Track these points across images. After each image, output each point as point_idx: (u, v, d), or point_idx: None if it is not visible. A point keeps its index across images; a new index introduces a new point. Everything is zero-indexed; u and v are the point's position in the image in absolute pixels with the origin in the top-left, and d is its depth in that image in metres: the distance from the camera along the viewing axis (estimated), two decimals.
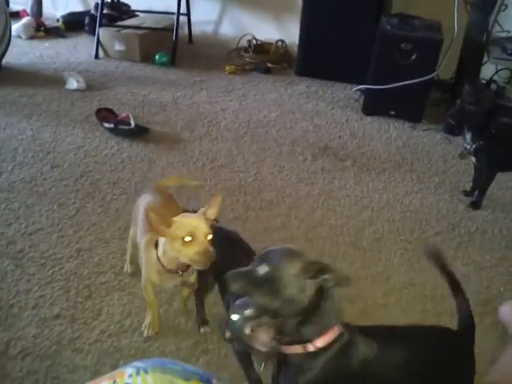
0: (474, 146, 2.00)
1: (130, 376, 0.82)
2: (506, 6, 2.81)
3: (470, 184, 2.19)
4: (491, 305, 1.60)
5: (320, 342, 0.93)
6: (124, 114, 2.50)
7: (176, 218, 1.22)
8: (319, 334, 0.94)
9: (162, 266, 1.27)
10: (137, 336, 1.41)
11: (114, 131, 2.43)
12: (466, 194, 2.19)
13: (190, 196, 1.99)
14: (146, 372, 0.83)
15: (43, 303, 1.49)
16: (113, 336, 1.40)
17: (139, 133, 2.42)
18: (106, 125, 2.46)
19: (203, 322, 1.43)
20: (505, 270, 1.78)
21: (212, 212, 1.27)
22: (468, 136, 2.02)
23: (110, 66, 3.30)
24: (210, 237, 1.21)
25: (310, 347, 0.93)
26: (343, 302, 1.54)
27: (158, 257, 1.28)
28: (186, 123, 2.62)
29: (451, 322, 1.53)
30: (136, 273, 1.60)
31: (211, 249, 1.19)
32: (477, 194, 2.12)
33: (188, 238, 1.18)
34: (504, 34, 2.92)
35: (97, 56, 3.41)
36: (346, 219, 1.98)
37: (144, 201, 1.45)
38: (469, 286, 1.68)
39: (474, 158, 2.05)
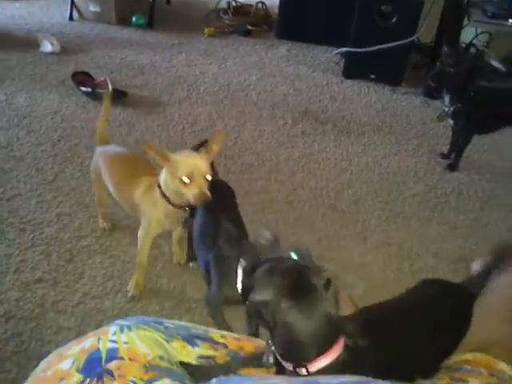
0: (452, 109, 2.02)
1: (114, 333, 0.84)
2: None
3: (448, 147, 2.23)
4: (465, 262, 1.66)
5: (314, 367, 0.73)
6: (101, 78, 2.45)
7: (175, 155, 1.24)
8: (318, 354, 0.73)
9: (170, 202, 1.27)
10: (120, 297, 1.43)
11: (92, 95, 2.39)
12: (444, 156, 2.23)
13: None
14: (129, 329, 0.85)
15: (24, 268, 1.49)
16: (96, 298, 1.42)
17: (117, 97, 2.37)
18: (83, 89, 2.41)
19: (193, 257, 1.50)
20: (478, 229, 1.84)
21: (215, 147, 1.27)
22: (446, 98, 2.04)
23: (85, 28, 3.20)
24: (208, 177, 1.22)
25: (303, 371, 0.74)
26: (323, 262, 1.59)
27: (163, 195, 1.28)
28: (165, 87, 2.59)
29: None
30: (115, 229, 1.65)
31: (208, 192, 1.19)
32: (453, 157, 2.16)
33: (186, 180, 1.18)
34: None
35: (71, 17, 3.29)
36: (325, 182, 2.00)
37: (104, 154, 1.47)
38: (443, 245, 1.74)
39: (451, 120, 2.08)
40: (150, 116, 2.32)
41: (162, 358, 0.83)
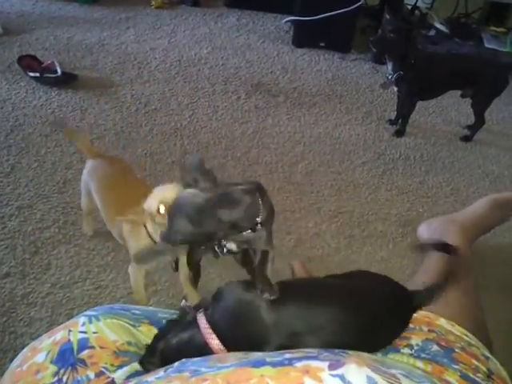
0: (395, 76, 2.10)
1: (83, 324, 0.90)
2: None
3: (395, 113, 2.33)
4: (412, 225, 1.79)
5: None
6: (49, 61, 2.40)
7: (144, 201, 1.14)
8: None
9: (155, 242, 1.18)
10: (88, 285, 1.48)
11: (41, 80, 2.35)
12: (391, 122, 2.33)
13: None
14: (97, 319, 0.91)
15: None
16: (64, 287, 1.47)
17: (67, 80, 2.35)
18: (31, 74, 2.36)
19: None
20: (424, 192, 1.97)
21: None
22: (389, 66, 2.12)
23: (26, 5, 3.08)
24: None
25: None
26: (280, 234, 1.69)
27: (149, 235, 1.19)
28: (115, 66, 2.56)
29: (375, 244, 1.72)
30: (78, 219, 1.66)
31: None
32: (400, 123, 2.27)
33: (162, 208, 1.09)
34: None
35: None
36: (280, 156, 2.08)
37: (95, 173, 1.38)
38: (391, 210, 1.86)
39: (395, 87, 2.17)
40: (102, 98, 2.31)
41: (130, 343, 0.90)
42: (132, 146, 2.03)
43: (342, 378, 0.62)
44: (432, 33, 3.09)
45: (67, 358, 0.84)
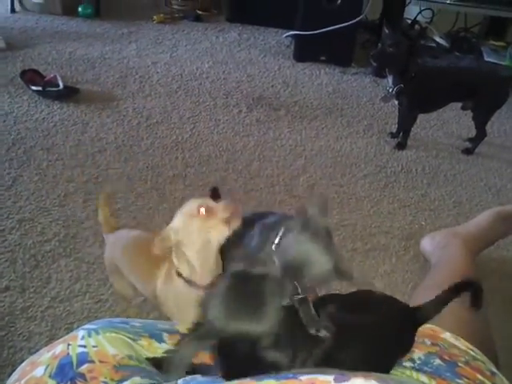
0: (395, 89, 2.11)
1: (83, 338, 0.88)
2: None
3: (396, 126, 2.34)
4: (414, 238, 1.77)
5: None
6: (51, 75, 2.42)
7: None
8: None
9: (196, 285, 1.00)
10: (87, 298, 1.47)
11: (43, 94, 2.36)
12: (392, 135, 2.33)
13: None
14: (97, 333, 0.90)
15: None
16: (64, 301, 1.45)
17: (69, 94, 2.36)
18: (34, 87, 2.37)
19: None
20: (426, 205, 1.96)
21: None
22: (390, 79, 2.13)
23: (30, 20, 3.11)
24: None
25: None
26: None
27: (186, 280, 1.02)
28: (117, 80, 2.57)
29: (378, 257, 1.71)
30: (78, 231, 1.65)
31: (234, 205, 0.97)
32: (401, 136, 2.27)
33: (202, 210, 0.94)
34: None
35: (13, 9, 3.19)
36: (281, 169, 2.07)
37: (120, 244, 1.23)
38: (394, 223, 1.85)
39: (396, 100, 2.17)
40: (104, 112, 2.32)
41: (130, 357, 0.89)
42: (133, 159, 2.03)
43: None
44: (432, 46, 3.11)
45: (66, 372, 0.83)
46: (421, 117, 2.26)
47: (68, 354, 0.85)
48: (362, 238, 1.77)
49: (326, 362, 0.75)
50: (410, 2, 2.91)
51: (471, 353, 0.92)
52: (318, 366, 0.74)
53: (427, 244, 1.69)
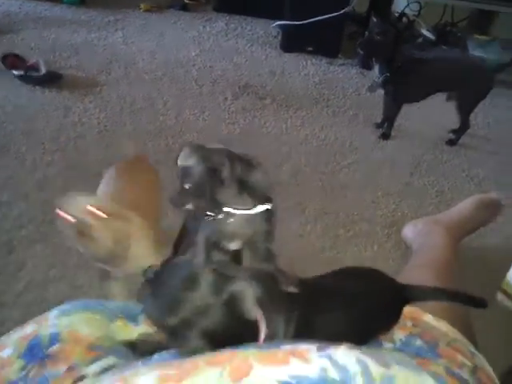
0: (381, 78, 2.10)
1: (55, 318, 0.86)
2: None
3: (381, 116, 2.33)
4: (396, 226, 1.77)
5: None
6: (33, 60, 2.37)
7: None
8: None
9: None
10: (63, 284, 1.44)
11: (25, 79, 2.31)
12: (377, 125, 2.33)
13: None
14: (70, 313, 0.88)
15: None
16: (39, 286, 1.42)
17: (51, 79, 2.32)
18: (15, 72, 2.33)
19: None
20: (409, 194, 1.96)
21: None
22: (376, 68, 2.12)
23: (13, 5, 3.05)
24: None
25: None
26: None
27: None
28: (102, 66, 2.53)
29: (361, 245, 1.70)
30: (55, 217, 1.59)
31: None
32: (386, 126, 2.27)
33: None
34: None
35: None
36: (266, 156, 2.05)
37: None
38: (377, 211, 1.85)
39: (382, 89, 2.17)
40: (87, 97, 2.28)
41: (105, 338, 0.87)
42: (115, 144, 2.00)
43: (329, 357, 0.60)
44: (419, 40, 3.11)
45: (36, 352, 0.80)
46: (405, 108, 2.25)
47: (38, 334, 0.83)
48: (344, 225, 1.76)
49: (306, 328, 0.75)
50: None
51: (452, 335, 0.92)
52: (298, 331, 0.74)
53: (409, 231, 1.69)
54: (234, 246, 0.79)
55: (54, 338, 0.82)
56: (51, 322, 0.86)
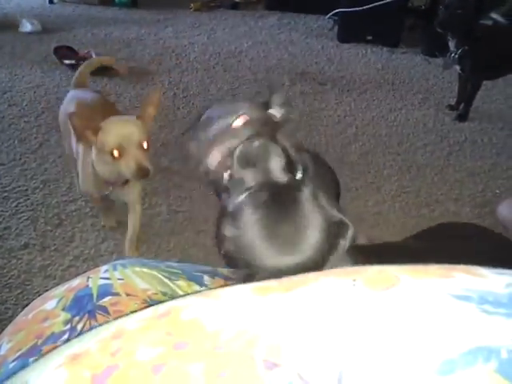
0: (458, 53, 1.89)
1: (106, 271, 0.71)
2: None
3: (455, 99, 2.11)
4: (489, 207, 1.54)
5: None
6: (85, 51, 2.31)
7: (105, 124, 1.06)
8: None
9: (98, 176, 1.15)
10: (114, 259, 1.28)
11: (76, 68, 2.23)
12: (451, 108, 2.10)
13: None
14: (124, 267, 0.72)
15: (8, 235, 1.35)
16: (88, 260, 1.28)
17: (102, 68, 2.23)
18: (67, 62, 2.27)
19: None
20: (498, 174, 1.72)
21: (150, 110, 1.13)
22: (452, 43, 1.92)
23: (67, 9, 3.06)
24: (145, 145, 1.06)
25: None
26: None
27: (93, 166, 1.14)
28: (153, 57, 2.45)
29: None
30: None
31: (145, 162, 1.04)
32: (463, 106, 2.04)
33: (116, 153, 1.04)
34: None
35: (51, 1, 3.15)
36: (330, 137, 1.87)
37: (70, 103, 1.27)
38: (463, 191, 1.62)
39: (458, 65, 1.95)
40: (138, 84, 2.18)
41: (165, 293, 0.70)
42: (169, 126, 1.87)
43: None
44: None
45: (84, 304, 0.64)
46: (481, 90, 2.03)
47: (87, 285, 0.68)
48: (427, 205, 1.54)
49: None
50: None
51: None
52: None
53: (505, 209, 1.45)
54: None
55: (106, 290, 0.67)
56: (103, 274, 0.71)
